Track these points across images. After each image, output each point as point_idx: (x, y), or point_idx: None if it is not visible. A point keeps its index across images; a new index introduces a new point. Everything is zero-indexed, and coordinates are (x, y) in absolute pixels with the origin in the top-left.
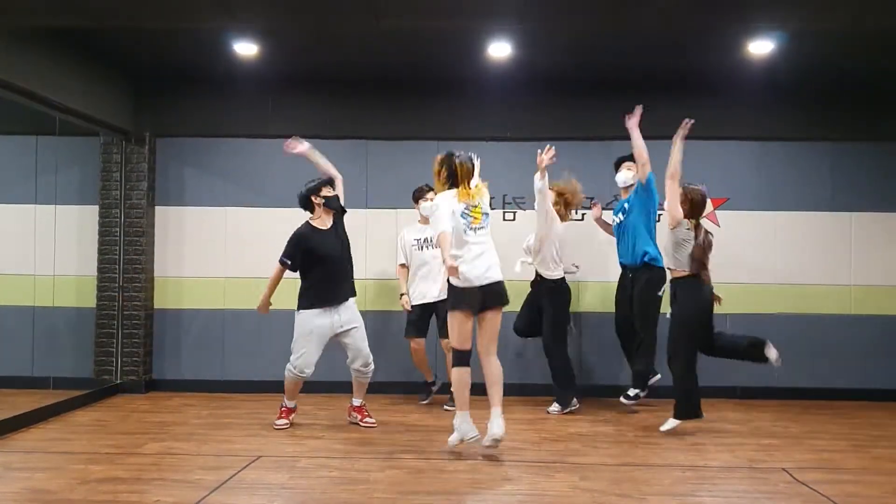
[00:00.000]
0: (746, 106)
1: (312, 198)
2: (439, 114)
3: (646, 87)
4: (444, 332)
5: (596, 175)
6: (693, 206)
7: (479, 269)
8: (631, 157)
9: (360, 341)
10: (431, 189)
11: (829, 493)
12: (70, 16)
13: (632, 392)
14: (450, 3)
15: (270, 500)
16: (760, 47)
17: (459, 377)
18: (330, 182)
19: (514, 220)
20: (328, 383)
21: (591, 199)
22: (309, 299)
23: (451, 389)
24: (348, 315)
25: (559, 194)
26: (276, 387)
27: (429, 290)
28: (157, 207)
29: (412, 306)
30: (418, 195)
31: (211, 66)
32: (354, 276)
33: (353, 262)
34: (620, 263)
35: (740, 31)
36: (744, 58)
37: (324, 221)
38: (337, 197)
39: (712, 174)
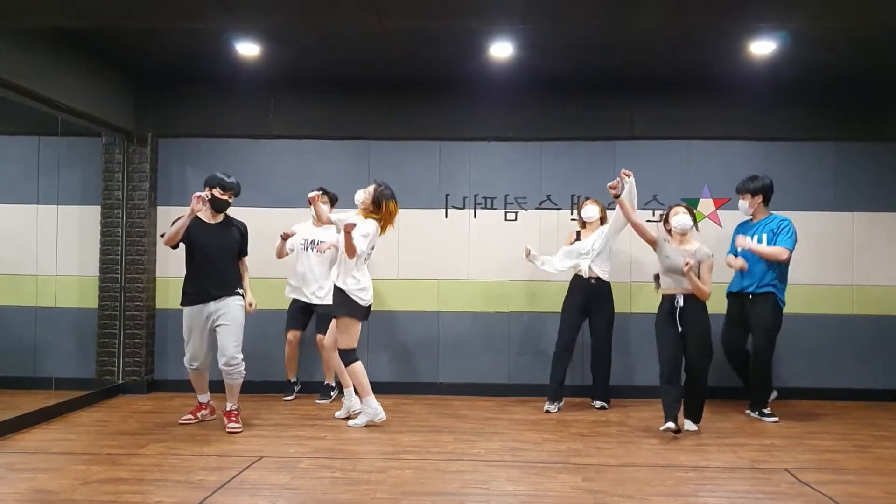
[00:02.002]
0: (748, 106)
1: (206, 188)
2: (441, 114)
3: (647, 87)
4: (322, 329)
5: (597, 175)
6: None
7: (371, 293)
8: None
9: (225, 338)
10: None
11: (831, 494)
12: (71, 16)
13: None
14: (452, 2)
15: (272, 501)
16: (762, 47)
17: (360, 369)
18: (225, 187)
19: (515, 220)
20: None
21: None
22: (185, 292)
23: (353, 381)
24: (223, 310)
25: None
26: (278, 387)
27: (304, 291)
28: (159, 208)
29: (293, 300)
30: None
31: (213, 66)
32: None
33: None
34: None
35: (742, 31)
36: (745, 58)
37: (212, 216)
38: (227, 203)
39: (714, 174)
